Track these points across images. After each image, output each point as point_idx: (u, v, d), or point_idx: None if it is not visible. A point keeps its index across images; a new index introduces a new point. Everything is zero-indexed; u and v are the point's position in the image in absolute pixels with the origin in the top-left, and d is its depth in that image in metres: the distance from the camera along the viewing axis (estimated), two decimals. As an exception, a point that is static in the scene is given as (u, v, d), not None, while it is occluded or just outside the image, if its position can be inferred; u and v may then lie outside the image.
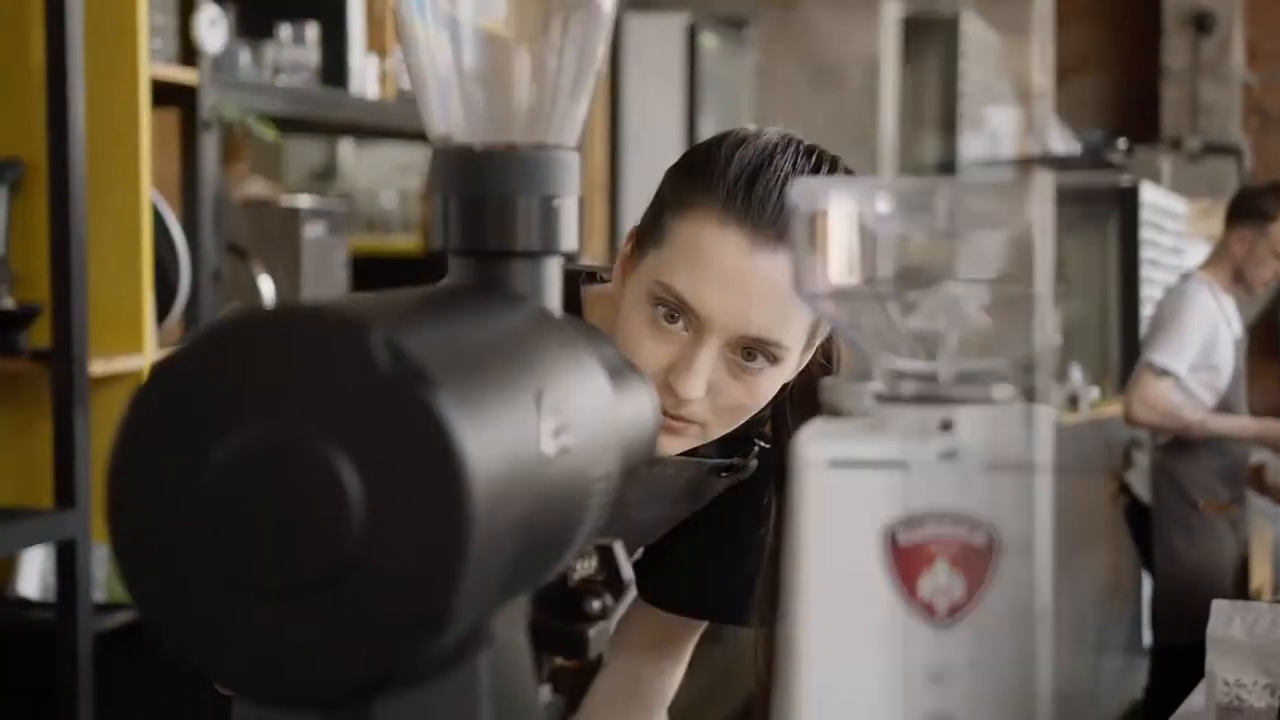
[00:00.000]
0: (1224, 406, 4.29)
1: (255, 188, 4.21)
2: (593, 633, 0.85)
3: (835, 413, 0.79)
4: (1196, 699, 2.14)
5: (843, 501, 0.69)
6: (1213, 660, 2.01)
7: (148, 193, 2.49)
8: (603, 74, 0.89)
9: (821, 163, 1.28)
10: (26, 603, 2.66)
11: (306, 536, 0.61)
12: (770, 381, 1.27)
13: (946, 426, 0.70)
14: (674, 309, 1.24)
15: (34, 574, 2.66)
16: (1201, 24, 9.11)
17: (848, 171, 1.30)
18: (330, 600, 0.61)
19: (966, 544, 0.68)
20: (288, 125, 3.25)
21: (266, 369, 0.62)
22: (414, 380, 0.61)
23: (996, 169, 5.31)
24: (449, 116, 0.83)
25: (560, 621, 0.85)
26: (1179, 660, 4.36)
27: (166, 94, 2.64)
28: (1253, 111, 9.62)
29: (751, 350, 1.25)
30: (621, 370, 0.87)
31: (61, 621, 2.37)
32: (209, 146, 2.68)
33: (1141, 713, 4.55)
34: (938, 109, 7.43)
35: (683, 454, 1.36)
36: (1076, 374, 6.39)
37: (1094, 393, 6.37)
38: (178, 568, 0.62)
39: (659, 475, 1.36)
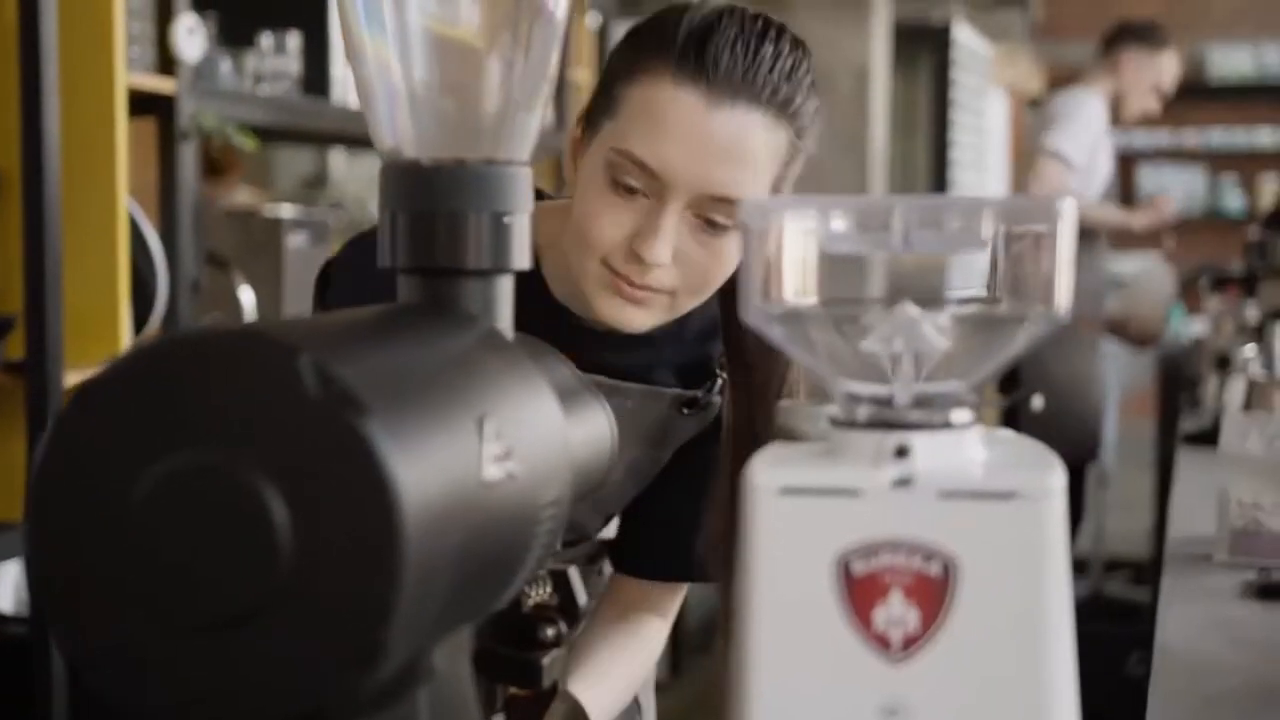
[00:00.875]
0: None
1: (243, 197, 4.20)
2: (546, 661, 0.83)
3: (791, 437, 0.77)
4: (1203, 527, 2.00)
5: (795, 530, 0.67)
6: (1226, 478, 1.90)
7: (124, 202, 2.46)
8: (554, 84, 0.86)
9: (769, 26, 1.26)
10: (1, 617, 2.64)
11: (233, 567, 0.59)
12: (736, 246, 1.25)
13: (902, 452, 0.68)
14: (632, 176, 1.23)
15: (8, 588, 2.64)
16: None
17: (796, 43, 1.28)
18: (257, 634, 0.59)
19: (921, 574, 0.66)
20: (269, 135, 3.22)
21: (193, 393, 0.60)
22: (343, 406, 0.59)
23: None
24: (397, 130, 0.81)
25: (512, 649, 0.83)
26: None
27: (144, 103, 2.61)
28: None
29: (714, 216, 1.23)
30: (576, 391, 0.85)
31: (36, 636, 2.34)
32: (187, 156, 2.66)
33: None
34: (930, 115, 7.44)
35: (643, 385, 1.37)
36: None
37: None
38: (99, 598, 0.60)
39: (619, 409, 1.33)
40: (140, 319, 2.55)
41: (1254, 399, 2.97)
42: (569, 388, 0.83)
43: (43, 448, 0.61)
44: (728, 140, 1.22)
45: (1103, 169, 4.33)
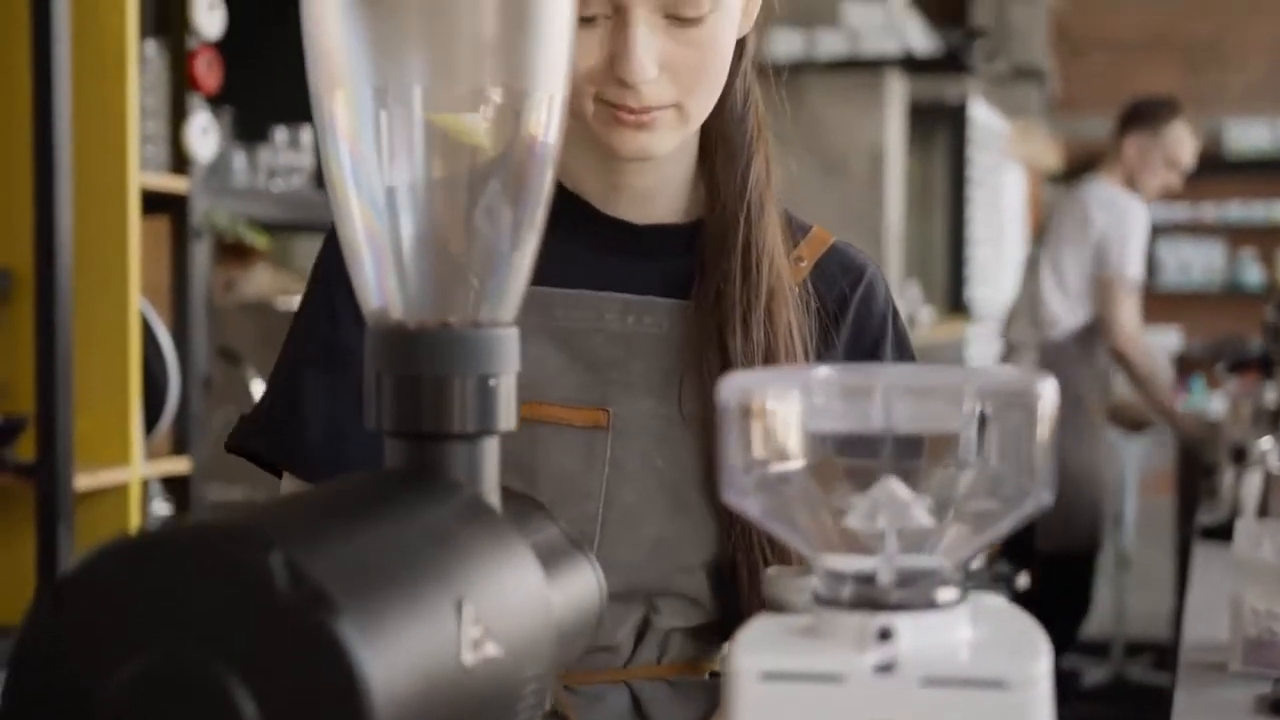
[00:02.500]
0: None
1: (262, 277, 4.21)
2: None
3: (777, 607, 0.76)
4: (1217, 631, 1.96)
5: (778, 715, 0.66)
6: (1239, 585, 1.86)
7: (137, 303, 2.47)
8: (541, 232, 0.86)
9: None
10: None
11: (203, 767, 0.58)
12: (723, 28, 1.16)
13: (886, 635, 0.67)
14: (581, 3, 1.13)
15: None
16: None
17: None
18: (227, 836, 0.58)
19: (904, 765, 0.65)
20: (283, 228, 3.24)
21: (165, 590, 0.59)
22: (315, 605, 0.58)
23: (855, 69, 5.28)
24: (383, 292, 0.81)
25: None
26: (1062, 567, 4.36)
27: (158, 201, 2.63)
28: (1059, 36, 9.77)
29: (683, 11, 1.13)
30: (561, 552, 0.84)
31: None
32: (200, 254, 2.67)
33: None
34: (946, 192, 7.46)
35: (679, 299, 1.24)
36: (914, 292, 6.36)
37: (929, 312, 6.37)
38: (69, 798, 0.60)
39: (643, 332, 1.24)
40: (152, 418, 2.55)
41: (1272, 493, 2.95)
42: (554, 547, 0.83)
43: (16, 642, 0.60)
44: None
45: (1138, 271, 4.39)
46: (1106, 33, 10.03)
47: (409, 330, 0.79)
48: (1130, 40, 10.01)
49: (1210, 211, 9.99)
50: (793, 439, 0.70)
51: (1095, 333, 4.33)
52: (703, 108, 1.18)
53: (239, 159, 2.91)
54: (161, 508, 2.81)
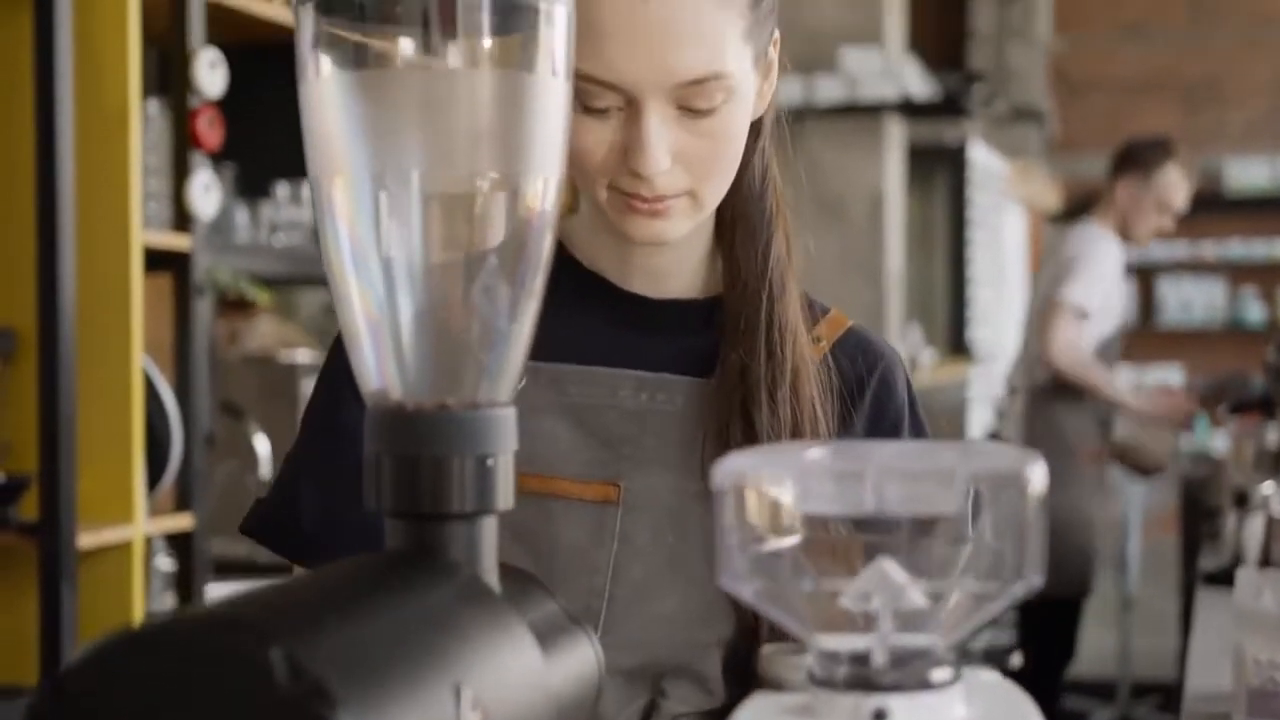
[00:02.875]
0: (1101, 357, 4.34)
1: (266, 328, 4.23)
2: None
3: (774, 685, 0.76)
4: (1221, 679, 1.95)
5: (773, 799, 0.67)
6: (1241, 636, 1.86)
7: (139, 361, 2.49)
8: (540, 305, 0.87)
9: None
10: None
11: None
12: (735, 117, 1.16)
13: (880, 717, 0.68)
14: (596, 96, 1.12)
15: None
16: None
17: None
18: None
19: (899, 847, 0.65)
20: (286, 282, 3.26)
21: (165, 683, 0.60)
22: (315, 699, 0.59)
23: (854, 114, 5.31)
24: (383, 374, 0.82)
25: None
26: (1047, 614, 4.34)
27: (160, 259, 2.65)
28: (1057, 77, 9.83)
29: (695, 103, 1.12)
30: (560, 629, 0.84)
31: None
32: (202, 311, 2.69)
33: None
34: (946, 233, 7.48)
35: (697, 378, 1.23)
36: (915, 334, 6.36)
37: (931, 354, 6.37)
38: None
39: (657, 409, 1.23)
40: (155, 475, 2.56)
41: (1274, 538, 2.95)
42: (553, 624, 0.83)
43: (18, 735, 0.61)
44: (670, 22, 1.11)
45: (1116, 308, 4.35)
46: (1105, 73, 10.07)
47: (408, 411, 0.80)
48: (1129, 80, 10.05)
49: (1211, 249, 10.01)
50: (786, 521, 0.71)
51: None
52: (716, 194, 1.18)
53: (241, 214, 2.92)
54: (165, 563, 2.82)
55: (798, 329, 1.24)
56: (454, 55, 0.80)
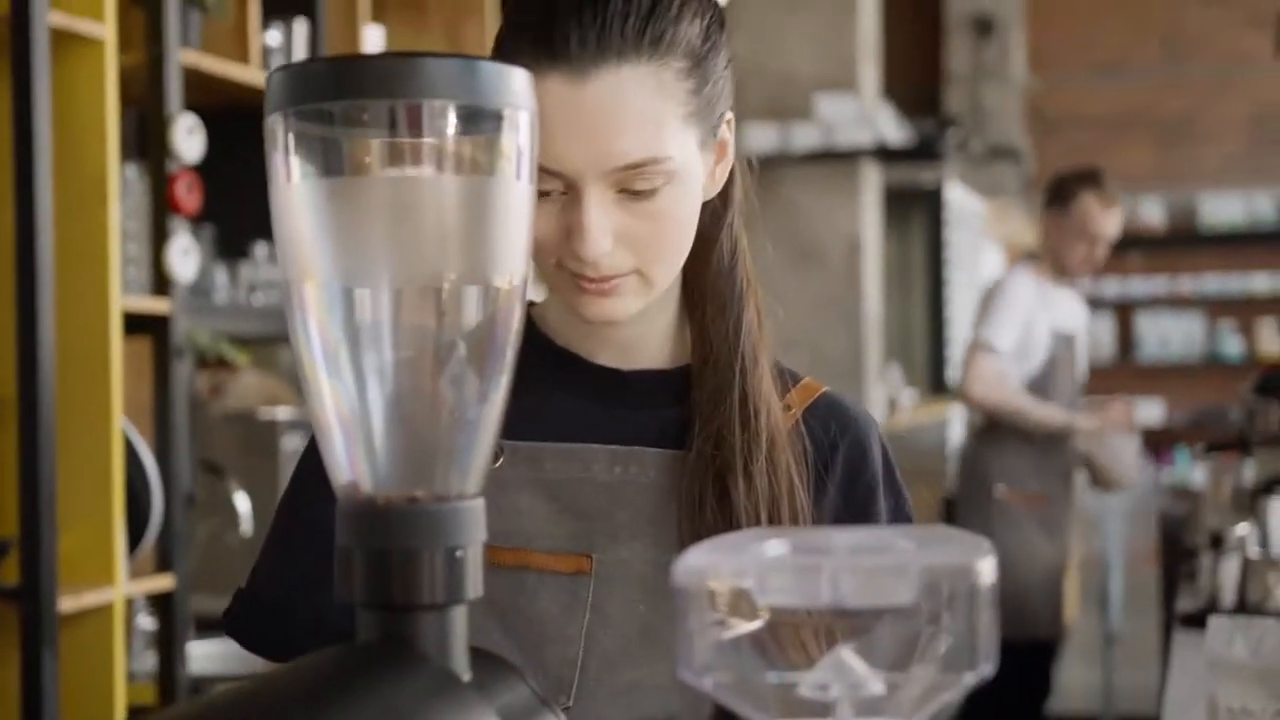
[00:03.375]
0: (1035, 394, 4.32)
1: (249, 381, 4.24)
2: None
3: (739, 771, 0.78)
4: None
5: None
6: (1213, 685, 1.87)
7: (119, 424, 2.50)
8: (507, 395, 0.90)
9: None
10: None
11: None
12: (679, 199, 1.17)
13: (839, 804, 0.70)
14: (549, 186, 1.15)
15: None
16: (983, 27, 9.33)
17: None
18: None
19: None
20: (265, 340, 3.28)
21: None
22: (287, 803, 0.61)
23: (830, 160, 5.33)
24: (353, 467, 0.84)
25: None
26: (1022, 656, 4.31)
27: (140, 322, 2.66)
28: (1034, 115, 9.91)
29: (635, 186, 1.14)
30: (530, 713, 0.86)
31: None
32: (181, 373, 2.70)
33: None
34: (924, 273, 7.53)
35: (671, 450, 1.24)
36: (895, 375, 6.39)
37: (911, 395, 6.39)
38: None
39: (630, 481, 1.24)
40: (135, 536, 2.57)
41: (1249, 581, 2.97)
42: (523, 708, 0.85)
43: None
44: (607, 108, 1.13)
45: (1040, 343, 4.33)
46: (1080, 111, 10.15)
47: (378, 505, 0.82)
48: (1104, 118, 10.13)
49: (1188, 284, 10.08)
50: (746, 615, 0.73)
51: (1000, 420, 4.33)
52: (666, 273, 1.20)
53: (220, 275, 2.94)
54: (146, 622, 2.83)
55: (770, 400, 1.26)
56: (421, 161, 0.82)
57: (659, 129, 1.14)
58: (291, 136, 0.81)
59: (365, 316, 0.82)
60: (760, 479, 1.22)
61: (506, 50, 1.17)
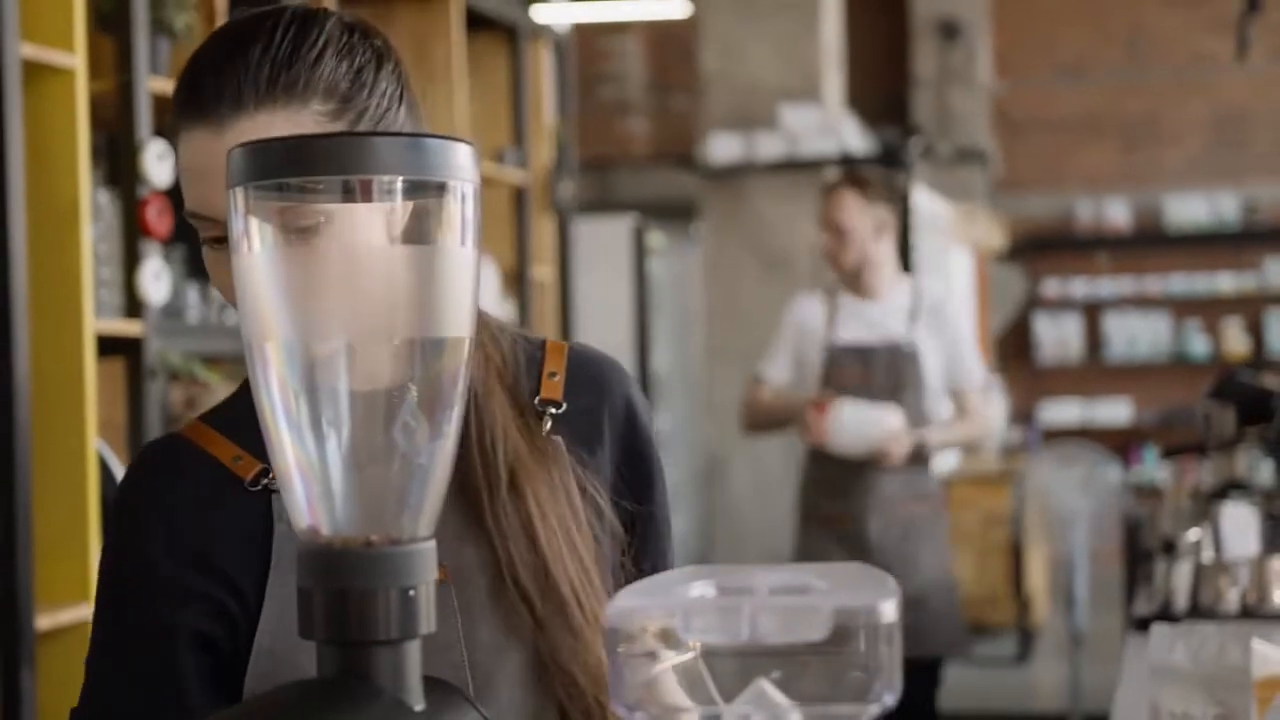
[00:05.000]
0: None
1: (221, 393, 4.29)
2: None
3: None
4: None
5: None
6: (1156, 691, 1.93)
7: (93, 444, 2.56)
8: (458, 439, 0.96)
9: (258, 24, 1.20)
10: None
11: None
12: (346, 237, 1.16)
13: (757, 826, 0.76)
14: (209, 229, 1.19)
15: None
16: (949, 31, 9.43)
17: (294, 19, 1.20)
18: None
19: None
20: (238, 359, 3.33)
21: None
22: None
23: (795, 169, 5.33)
24: (313, 512, 0.90)
25: None
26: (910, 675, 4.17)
27: (112, 345, 2.72)
28: (1000, 118, 10.03)
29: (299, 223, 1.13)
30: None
31: None
32: (154, 394, 2.76)
33: None
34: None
35: None
36: None
37: None
38: None
39: None
40: (110, 554, 2.62)
41: (1201, 583, 3.03)
42: (476, 735, 0.92)
43: None
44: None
45: (812, 370, 4.15)
46: (1046, 113, 10.26)
47: (335, 549, 0.88)
48: (1069, 120, 10.24)
49: (1154, 285, 10.19)
50: (672, 653, 0.80)
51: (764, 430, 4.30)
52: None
53: (192, 294, 3.00)
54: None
55: (507, 427, 1.28)
56: (372, 230, 0.88)
57: None
58: (252, 209, 0.87)
59: (322, 372, 0.89)
60: (505, 512, 1.25)
61: (172, 111, 1.22)
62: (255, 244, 0.88)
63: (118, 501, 1.29)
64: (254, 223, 0.89)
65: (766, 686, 0.79)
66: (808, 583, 0.82)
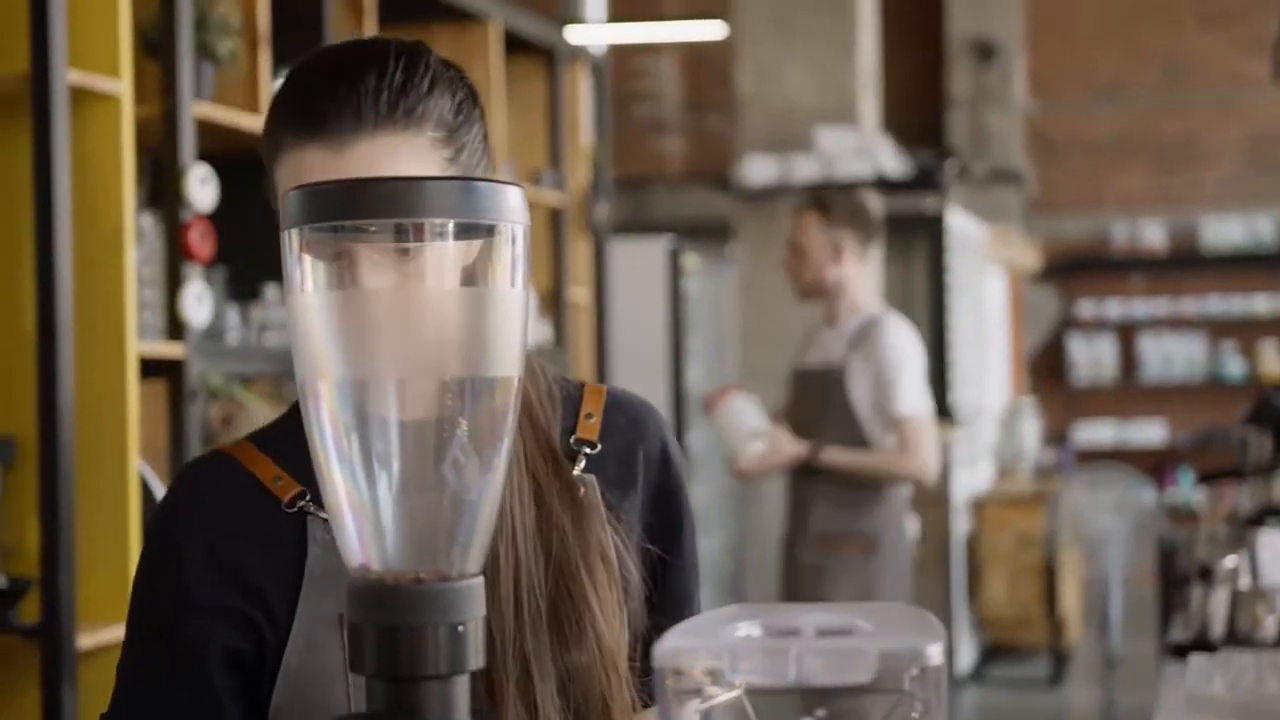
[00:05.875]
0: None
1: (259, 411, 4.31)
2: None
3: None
4: None
5: None
6: None
7: (135, 465, 2.58)
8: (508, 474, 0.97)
9: (364, 53, 1.23)
10: None
11: None
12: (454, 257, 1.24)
13: None
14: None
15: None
16: (984, 52, 9.40)
17: (400, 52, 1.23)
18: None
19: None
20: (277, 378, 3.36)
21: None
22: None
23: (833, 188, 5.34)
24: (364, 550, 0.92)
25: None
26: None
27: (155, 366, 2.74)
28: (1035, 139, 9.99)
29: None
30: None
31: None
32: (195, 415, 2.79)
33: None
34: (927, 298, 7.60)
35: None
36: None
37: None
38: None
39: None
40: (151, 574, 2.64)
41: (1238, 610, 3.02)
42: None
43: None
44: (375, 165, 1.20)
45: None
46: (1082, 135, 10.23)
47: (387, 585, 0.90)
48: (1105, 141, 10.21)
49: (1190, 306, 10.15)
50: (723, 691, 0.81)
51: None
52: None
53: (233, 316, 3.03)
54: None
55: (533, 462, 1.29)
56: (424, 273, 0.90)
57: None
58: (306, 250, 0.89)
59: (373, 411, 0.90)
60: (525, 542, 1.26)
61: (273, 130, 1.23)
62: (308, 284, 0.90)
63: (157, 515, 1.31)
64: (307, 263, 0.90)
65: (811, 727, 0.80)
66: (853, 624, 0.83)
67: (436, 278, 0.89)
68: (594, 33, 4.79)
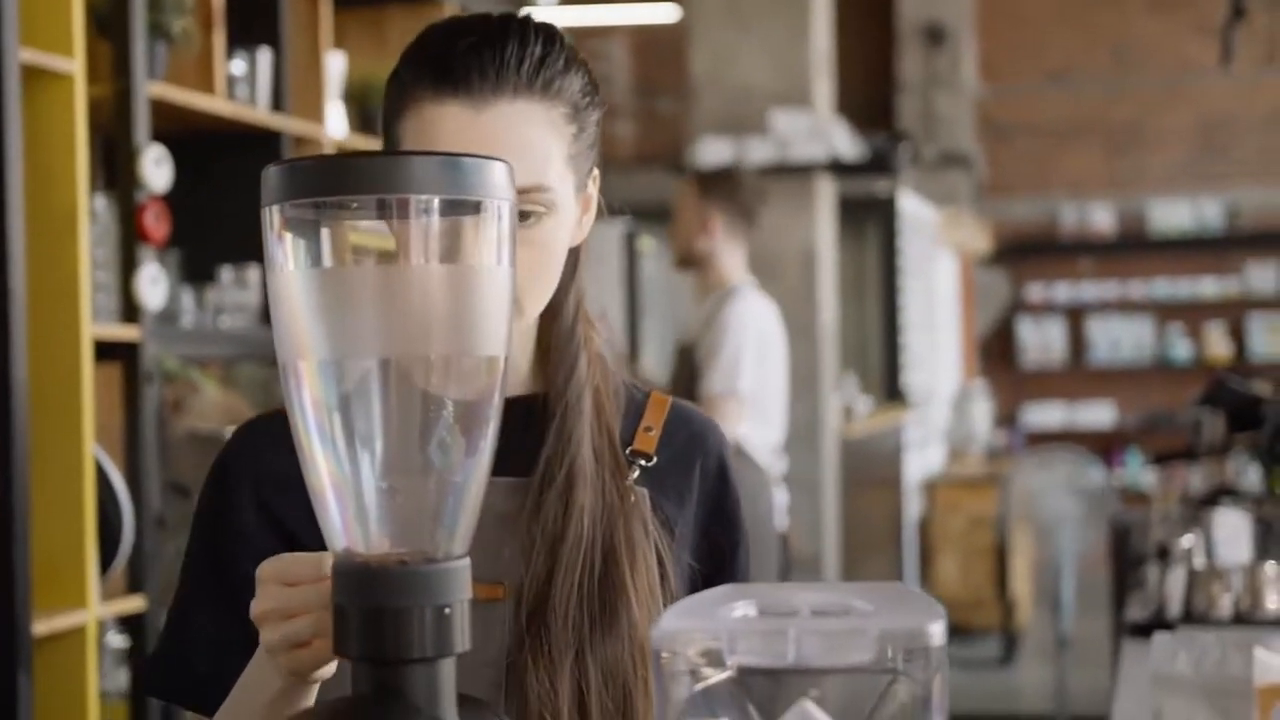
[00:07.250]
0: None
1: (211, 396, 4.27)
2: None
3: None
4: None
5: None
6: (1159, 700, 1.92)
7: (90, 449, 2.55)
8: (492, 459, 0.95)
9: (508, 23, 1.26)
10: None
11: None
12: (554, 232, 1.24)
13: None
14: None
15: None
16: (934, 36, 9.45)
17: (540, 30, 1.27)
18: None
19: None
20: (232, 361, 3.33)
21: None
22: None
23: (784, 174, 5.35)
24: (348, 533, 0.90)
25: None
26: None
27: (109, 349, 2.71)
28: (985, 122, 10.06)
29: (522, 203, 1.18)
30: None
31: None
32: (150, 397, 2.75)
33: None
34: (879, 281, 7.63)
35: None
36: (851, 384, 6.49)
37: (866, 402, 6.46)
38: None
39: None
40: (107, 559, 2.62)
41: (1195, 590, 3.04)
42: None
43: None
44: (501, 134, 1.21)
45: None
46: (1031, 118, 10.28)
47: (371, 568, 0.88)
48: (1054, 125, 10.26)
49: (1138, 289, 10.22)
50: (717, 672, 0.80)
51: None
52: (535, 304, 1.26)
53: (188, 299, 2.99)
54: (117, 640, 2.87)
55: (582, 441, 1.29)
56: (408, 250, 0.88)
57: (546, 161, 1.23)
58: (286, 227, 0.87)
59: (356, 392, 0.89)
60: (549, 510, 1.25)
61: (405, 82, 1.25)
62: (289, 262, 0.88)
63: (216, 464, 1.32)
64: (288, 241, 0.89)
65: (810, 707, 0.79)
66: (849, 603, 0.82)
67: (421, 254, 0.88)
68: (548, 15, 4.75)
